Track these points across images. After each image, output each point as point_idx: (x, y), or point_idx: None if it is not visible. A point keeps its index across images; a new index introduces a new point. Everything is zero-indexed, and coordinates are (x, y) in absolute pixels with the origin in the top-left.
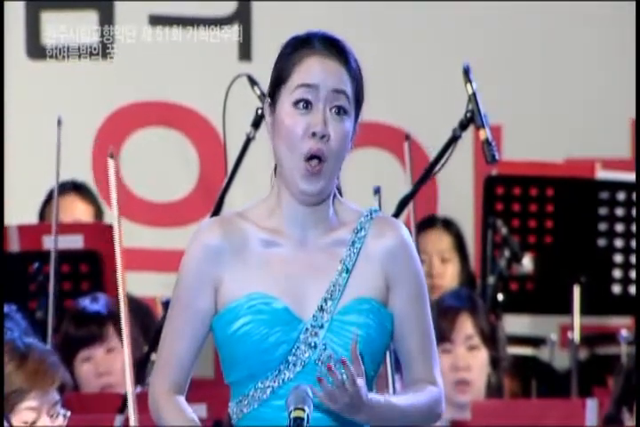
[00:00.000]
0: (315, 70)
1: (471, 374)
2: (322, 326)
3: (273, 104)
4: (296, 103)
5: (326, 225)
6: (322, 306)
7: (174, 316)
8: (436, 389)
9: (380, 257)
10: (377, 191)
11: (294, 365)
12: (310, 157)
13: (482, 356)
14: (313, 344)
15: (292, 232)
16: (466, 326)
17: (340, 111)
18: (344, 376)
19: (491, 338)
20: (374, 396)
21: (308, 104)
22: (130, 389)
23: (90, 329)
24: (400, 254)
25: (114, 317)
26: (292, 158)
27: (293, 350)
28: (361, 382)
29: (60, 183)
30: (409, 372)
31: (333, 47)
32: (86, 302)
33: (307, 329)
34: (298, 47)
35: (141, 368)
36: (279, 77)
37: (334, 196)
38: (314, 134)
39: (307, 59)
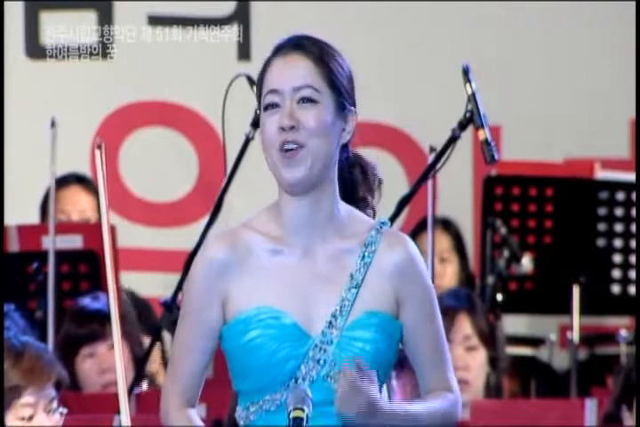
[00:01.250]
0: (276, 74)
1: (469, 373)
2: (330, 343)
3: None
4: (266, 109)
5: (333, 230)
6: (331, 322)
7: (183, 330)
8: (452, 394)
9: (389, 272)
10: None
11: (303, 380)
12: (285, 149)
13: (480, 356)
14: (322, 361)
15: (296, 240)
16: (464, 327)
17: (306, 101)
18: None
19: (489, 338)
20: (389, 403)
21: (275, 106)
22: (122, 388)
23: (92, 327)
24: (408, 270)
25: (121, 315)
26: (271, 154)
27: (302, 366)
28: (374, 388)
29: (62, 175)
30: (423, 382)
31: (299, 44)
32: (87, 301)
33: (315, 345)
34: (270, 56)
35: (142, 366)
36: (258, 89)
37: (344, 205)
38: (283, 129)
39: (272, 64)
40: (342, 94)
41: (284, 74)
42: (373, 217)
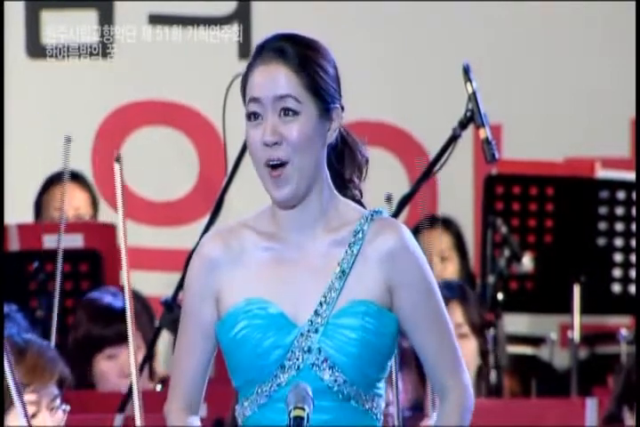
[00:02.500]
0: (257, 82)
1: None
2: (316, 331)
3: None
4: (248, 117)
5: (324, 224)
6: (317, 310)
7: (183, 330)
8: (462, 392)
9: (379, 260)
10: (388, 199)
11: (290, 369)
12: (270, 165)
13: (471, 345)
14: (307, 349)
15: (289, 235)
16: (456, 315)
17: (288, 112)
18: None
19: (480, 329)
20: None
21: (257, 115)
22: (135, 388)
23: (118, 328)
24: (401, 256)
25: (137, 314)
26: (258, 167)
27: (288, 355)
28: None
29: (56, 172)
30: (431, 375)
31: (280, 50)
32: (109, 299)
33: (302, 334)
34: (252, 58)
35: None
36: (242, 94)
37: (336, 196)
38: (266, 144)
39: (254, 70)
40: (325, 99)
41: (264, 82)
42: (361, 197)
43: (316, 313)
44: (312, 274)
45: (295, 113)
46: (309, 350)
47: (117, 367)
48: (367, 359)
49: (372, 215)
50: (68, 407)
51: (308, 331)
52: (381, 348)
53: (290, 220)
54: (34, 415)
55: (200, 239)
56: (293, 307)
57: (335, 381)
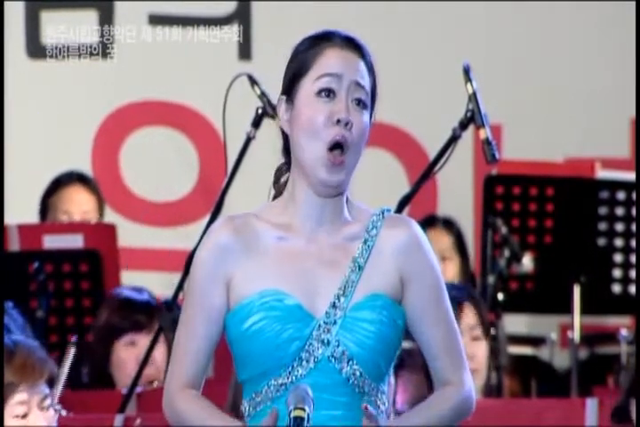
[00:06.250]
0: (337, 60)
1: (475, 363)
2: (334, 323)
3: (290, 99)
4: (319, 92)
5: (340, 220)
6: (334, 303)
7: (187, 315)
8: (462, 389)
9: (392, 253)
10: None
11: (307, 361)
12: (334, 147)
13: (484, 346)
14: (326, 341)
15: (304, 227)
16: (469, 317)
17: (360, 104)
18: None
19: (489, 332)
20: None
21: (330, 93)
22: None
23: (137, 318)
24: (413, 249)
25: (160, 309)
26: (315, 147)
27: (306, 347)
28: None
29: (63, 174)
30: (435, 371)
31: (351, 42)
32: (130, 293)
33: (319, 326)
34: (316, 42)
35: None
36: (298, 71)
37: (349, 199)
38: (338, 121)
39: (328, 50)
40: (373, 109)
41: (345, 63)
42: None
43: (334, 305)
44: (326, 265)
45: (364, 107)
46: (327, 343)
47: (136, 355)
48: (380, 351)
49: (382, 213)
50: (59, 406)
51: (326, 323)
52: (393, 340)
53: (309, 211)
54: (25, 415)
55: (200, 240)
56: (309, 298)
57: (353, 373)
